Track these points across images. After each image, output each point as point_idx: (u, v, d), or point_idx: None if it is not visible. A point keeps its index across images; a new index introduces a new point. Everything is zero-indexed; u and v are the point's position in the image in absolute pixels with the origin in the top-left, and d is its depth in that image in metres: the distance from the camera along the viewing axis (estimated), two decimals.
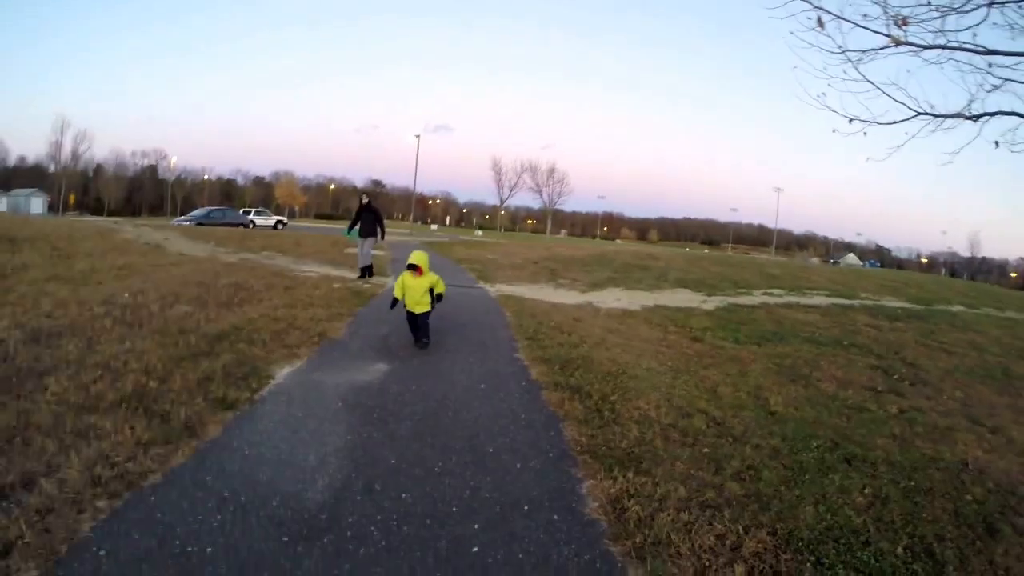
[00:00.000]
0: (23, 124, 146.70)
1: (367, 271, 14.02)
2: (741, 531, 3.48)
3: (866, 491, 4.29)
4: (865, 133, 4.55)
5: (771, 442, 5.06)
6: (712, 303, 14.15)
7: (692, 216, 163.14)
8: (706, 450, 4.70)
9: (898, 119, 4.38)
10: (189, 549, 2.98)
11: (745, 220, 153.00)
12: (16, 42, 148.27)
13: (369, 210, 14.16)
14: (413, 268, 7.33)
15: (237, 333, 7.07)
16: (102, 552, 2.92)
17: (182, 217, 41.84)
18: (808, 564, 3.26)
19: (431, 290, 7.47)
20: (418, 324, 7.43)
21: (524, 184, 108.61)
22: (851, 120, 4.41)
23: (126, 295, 8.94)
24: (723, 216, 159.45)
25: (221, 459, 4.00)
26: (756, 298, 15.69)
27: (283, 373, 5.96)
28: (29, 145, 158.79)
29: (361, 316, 8.93)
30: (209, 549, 2.99)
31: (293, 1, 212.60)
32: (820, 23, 4.17)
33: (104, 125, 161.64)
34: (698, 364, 7.74)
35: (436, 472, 4.03)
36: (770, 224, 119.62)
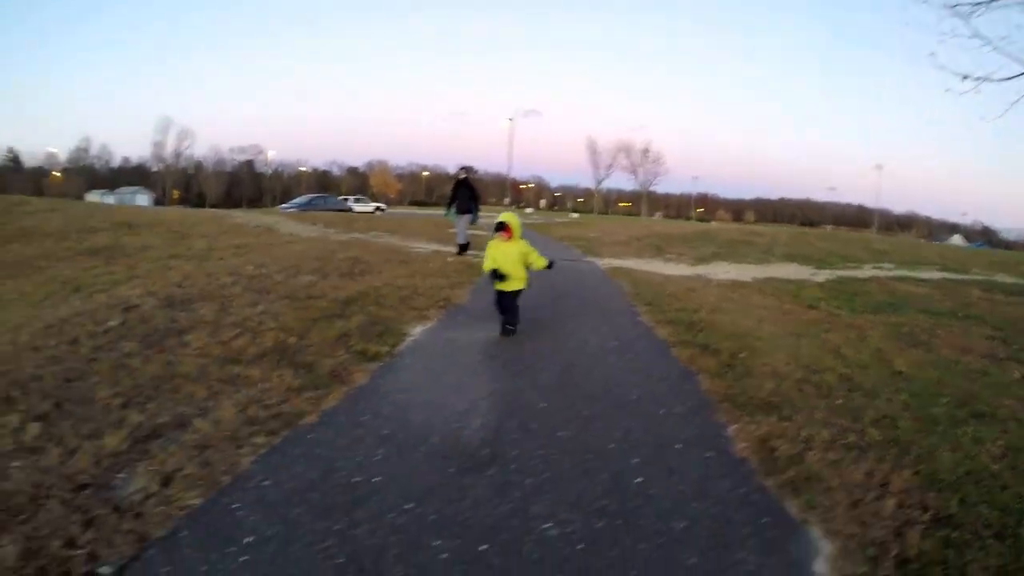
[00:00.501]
0: (126, 127, 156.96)
1: (464, 248, 13.64)
2: (887, 470, 3.64)
3: (999, 443, 4.33)
4: (979, 91, 4.55)
5: (900, 397, 5.16)
6: (822, 276, 14.08)
7: (789, 196, 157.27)
8: (840, 401, 4.86)
9: (1010, 75, 4.37)
10: (355, 479, 3.24)
11: (844, 200, 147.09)
12: (113, 49, 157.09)
13: (466, 186, 13.65)
14: (501, 228, 6.26)
15: (364, 298, 7.53)
16: (266, 482, 3.17)
17: (285, 204, 43.71)
18: (953, 502, 3.38)
19: (525, 264, 6.38)
20: (505, 306, 6.39)
21: (619, 164, 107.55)
22: (964, 77, 4.43)
23: (250, 267, 9.61)
24: (821, 196, 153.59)
25: (373, 403, 4.37)
26: (866, 272, 15.45)
27: (417, 331, 6.44)
28: (132, 147, 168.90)
29: (481, 285, 9.28)
30: (376, 479, 3.26)
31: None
32: None
33: (202, 124, 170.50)
34: (817, 329, 7.83)
35: (585, 416, 4.35)
36: (870, 204, 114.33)
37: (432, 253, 13.72)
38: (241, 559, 2.56)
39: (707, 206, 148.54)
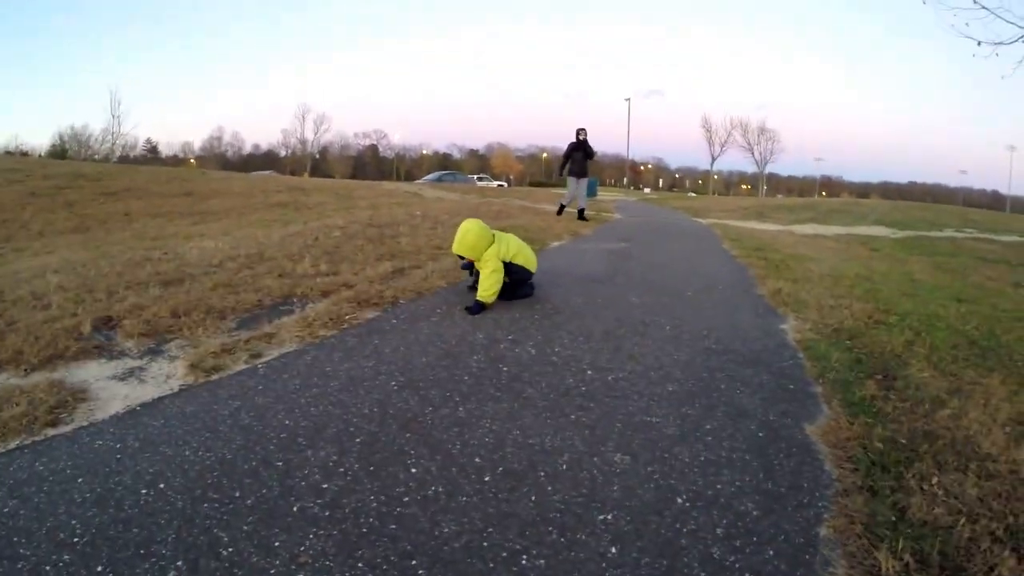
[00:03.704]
0: (254, 118, 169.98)
1: (580, 213, 13.56)
2: (854, 305, 5.75)
3: (961, 309, 6.28)
4: (997, 54, 5.95)
5: (902, 287, 7.21)
6: (902, 235, 15.47)
7: (918, 180, 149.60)
8: (847, 283, 7.00)
9: (1013, 39, 5.75)
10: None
11: (977, 185, 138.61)
12: (245, 46, 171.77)
13: (581, 148, 13.31)
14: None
15: (514, 230, 10.07)
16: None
17: (418, 180, 47.78)
18: (893, 318, 5.38)
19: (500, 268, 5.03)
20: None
21: (735, 141, 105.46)
22: (979, 43, 5.81)
23: (418, 213, 12.44)
24: (952, 180, 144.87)
25: (539, 261, 6.91)
26: (946, 233, 16.61)
27: (555, 244, 9.14)
28: (262, 135, 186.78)
29: (602, 229, 11.98)
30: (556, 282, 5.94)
31: None
32: None
33: (330, 110, 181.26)
34: (866, 259, 9.83)
35: (664, 273, 6.95)
36: (1003, 189, 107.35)
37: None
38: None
39: (831, 189, 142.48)
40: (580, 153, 13.35)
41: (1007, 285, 8.87)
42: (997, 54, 5.83)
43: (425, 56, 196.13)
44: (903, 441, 2.85)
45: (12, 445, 2.71)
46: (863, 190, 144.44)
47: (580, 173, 13.53)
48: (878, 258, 10.27)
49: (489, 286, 4.88)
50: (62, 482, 2.39)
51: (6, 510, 2.22)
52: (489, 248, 5.08)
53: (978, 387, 3.74)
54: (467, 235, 5.07)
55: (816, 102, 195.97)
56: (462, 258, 5.23)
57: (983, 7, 5.56)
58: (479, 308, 4.81)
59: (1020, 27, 5.54)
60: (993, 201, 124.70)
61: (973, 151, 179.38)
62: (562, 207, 14.29)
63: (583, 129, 13.41)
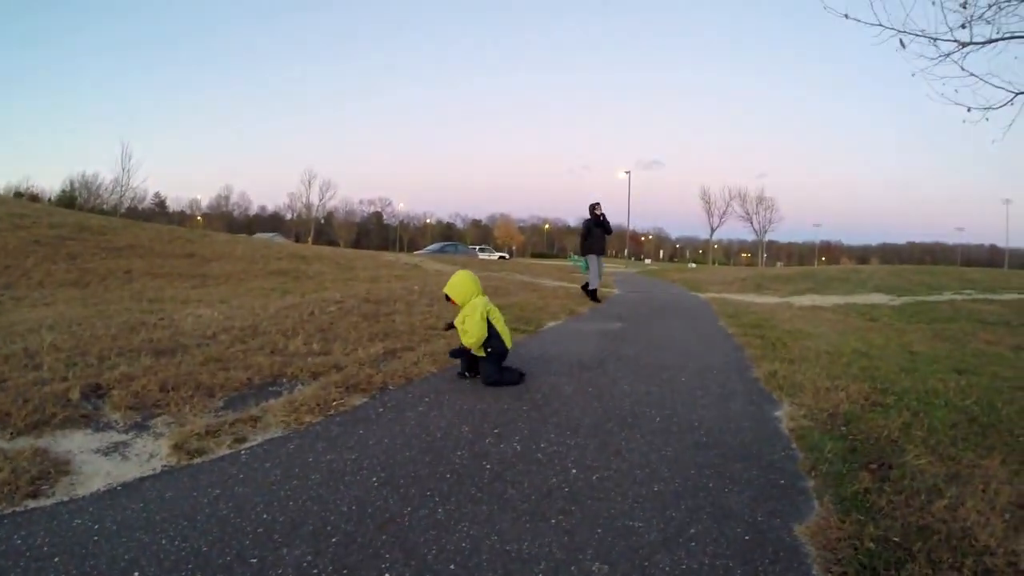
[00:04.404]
0: (263, 180, 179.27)
1: (593, 293, 13.00)
2: (850, 385, 5.64)
3: (962, 383, 6.14)
4: (987, 119, 6.09)
5: (900, 362, 7.14)
6: (900, 301, 15.48)
7: (916, 240, 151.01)
8: (844, 360, 6.93)
9: (1001, 103, 5.88)
10: (534, 358, 5.87)
11: (975, 241, 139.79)
12: (252, 110, 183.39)
13: (600, 224, 12.96)
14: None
15: (510, 308, 10.21)
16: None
17: (420, 251, 48.46)
18: (890, 399, 5.30)
19: (485, 319, 5.32)
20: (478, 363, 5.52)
21: (733, 212, 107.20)
22: (969, 109, 5.97)
23: (415, 287, 12.54)
24: (950, 237, 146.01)
25: (526, 347, 6.92)
26: (945, 297, 16.58)
27: (551, 324, 9.17)
28: (267, 197, 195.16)
29: (599, 306, 12.02)
30: (545, 364, 5.87)
31: (504, 55, 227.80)
32: (902, 44, 5.89)
33: (335, 176, 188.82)
34: (864, 331, 9.79)
35: (659, 357, 6.88)
36: (1001, 243, 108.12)
37: (558, 287, 16.51)
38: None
39: (830, 254, 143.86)
40: (599, 229, 13.06)
41: (1007, 349, 8.81)
42: (987, 119, 5.87)
43: (429, 127, 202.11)
44: (896, 539, 2.74)
45: None
46: (862, 253, 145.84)
47: (600, 251, 13.26)
48: (876, 329, 10.23)
49: (475, 332, 5.22)
50: (39, 559, 2.41)
51: None
52: (477, 297, 5.42)
53: (977, 470, 3.62)
54: (459, 278, 5.52)
55: (813, 168, 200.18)
56: (448, 299, 5.53)
57: (972, 74, 5.63)
58: (461, 352, 5.38)
59: (1009, 91, 5.60)
60: (991, 255, 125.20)
61: (969, 206, 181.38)
62: (592, 291, 13.14)
63: (598, 203, 13.02)
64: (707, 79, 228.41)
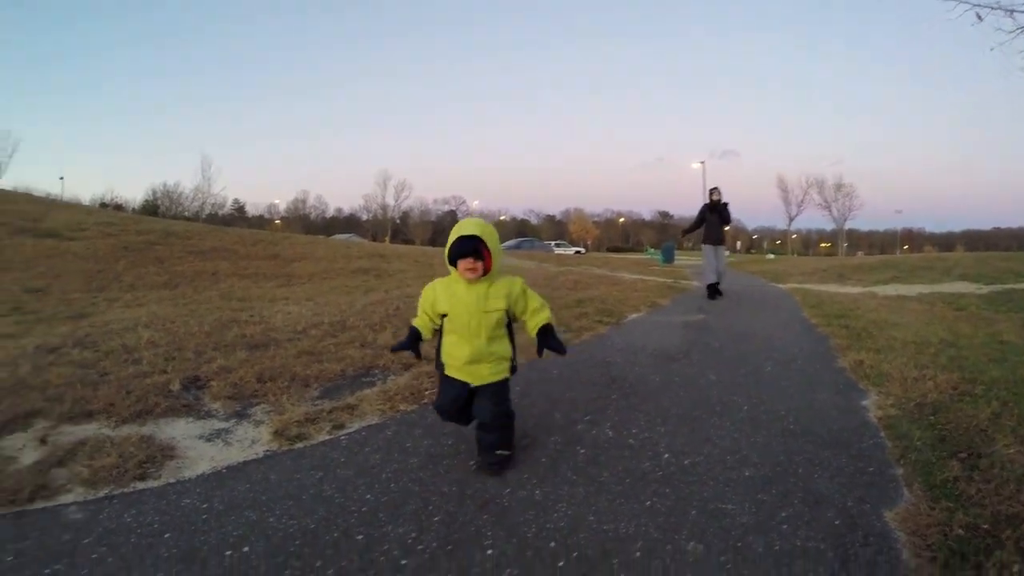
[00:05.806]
0: (337, 183, 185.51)
1: (714, 288, 11.89)
2: (938, 375, 5.58)
3: None
4: None
5: (988, 352, 6.96)
6: (987, 290, 14.90)
7: (1002, 225, 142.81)
8: (931, 350, 6.85)
9: None
10: (618, 349, 6.09)
11: None
12: (328, 115, 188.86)
13: (716, 210, 11.69)
14: (465, 245, 3.18)
15: (591, 301, 10.45)
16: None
17: None
18: (979, 389, 5.20)
19: (510, 324, 3.60)
20: (475, 412, 3.48)
21: (811, 200, 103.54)
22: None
23: None
24: None
25: (611, 339, 7.15)
26: None
27: (632, 316, 9.33)
28: (343, 199, 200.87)
29: (679, 298, 12.11)
30: (631, 355, 6.08)
31: (576, 49, 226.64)
32: (979, 17, 5.82)
33: (411, 176, 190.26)
34: (951, 320, 9.56)
35: (743, 347, 6.99)
36: None
37: (636, 279, 16.63)
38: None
39: (913, 241, 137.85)
40: (715, 216, 11.70)
41: None
42: None
43: (503, 123, 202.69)
44: (985, 527, 2.84)
45: (101, 494, 2.95)
46: (946, 240, 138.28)
47: (717, 240, 11.81)
48: (963, 318, 9.97)
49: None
50: (150, 535, 2.56)
51: (95, 556, 2.38)
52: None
53: None
54: (489, 227, 3.31)
55: (893, 153, 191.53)
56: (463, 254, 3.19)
57: None
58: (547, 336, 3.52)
59: None
60: None
61: None
62: (714, 287, 11.96)
63: (716, 188, 11.84)
64: (781, 66, 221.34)
